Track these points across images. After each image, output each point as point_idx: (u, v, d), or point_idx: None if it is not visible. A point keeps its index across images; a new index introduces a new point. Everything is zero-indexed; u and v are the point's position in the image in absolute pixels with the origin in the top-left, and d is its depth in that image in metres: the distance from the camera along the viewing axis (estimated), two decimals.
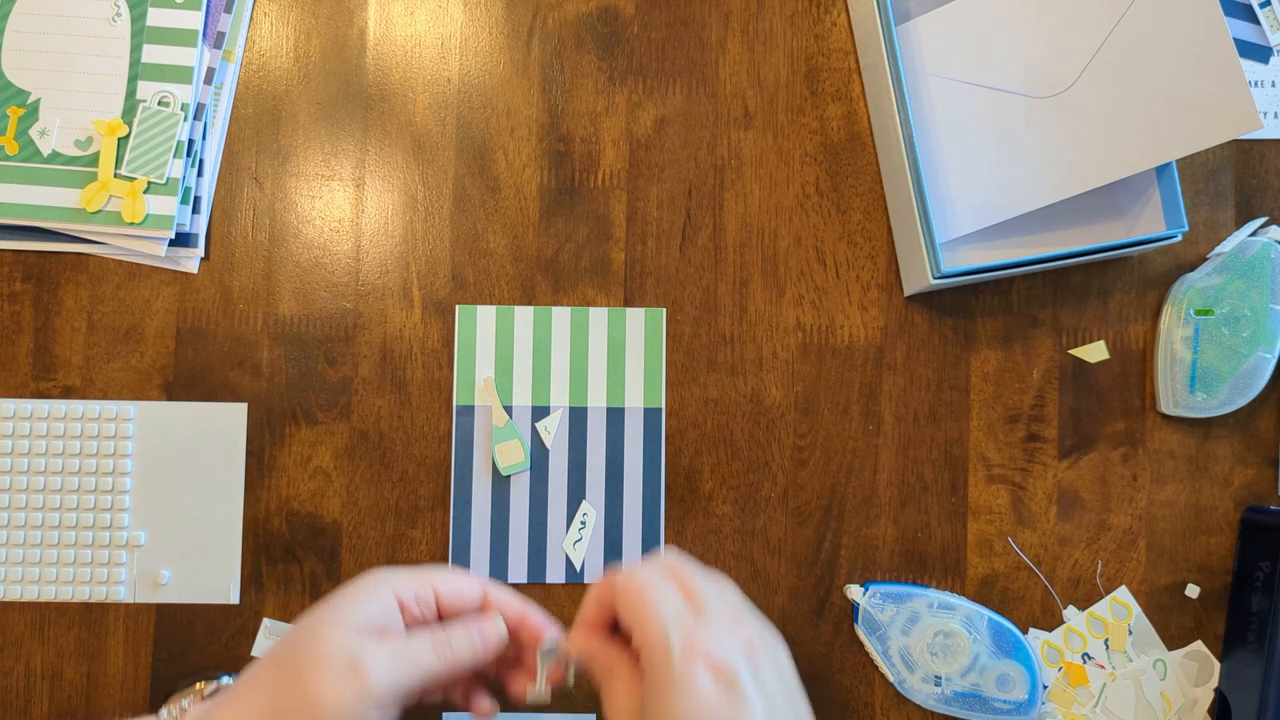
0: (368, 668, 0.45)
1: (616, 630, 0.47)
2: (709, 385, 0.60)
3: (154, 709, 0.49)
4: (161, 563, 0.59)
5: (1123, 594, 0.60)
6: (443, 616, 0.50)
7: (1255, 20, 0.62)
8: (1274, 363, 0.59)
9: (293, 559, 0.59)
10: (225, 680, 0.51)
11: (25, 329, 0.60)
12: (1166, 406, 0.60)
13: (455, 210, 0.61)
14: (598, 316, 0.61)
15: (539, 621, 0.50)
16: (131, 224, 0.58)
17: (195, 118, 0.60)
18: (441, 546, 0.59)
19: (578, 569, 0.59)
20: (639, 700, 0.45)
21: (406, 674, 0.47)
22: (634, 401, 0.60)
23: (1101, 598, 0.60)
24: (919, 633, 0.58)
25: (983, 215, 0.59)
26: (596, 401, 0.60)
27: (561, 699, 0.59)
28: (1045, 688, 0.59)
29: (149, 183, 0.59)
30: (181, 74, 0.60)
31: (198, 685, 0.50)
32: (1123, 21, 0.57)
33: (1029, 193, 0.58)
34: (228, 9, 0.61)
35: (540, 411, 0.60)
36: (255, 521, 0.59)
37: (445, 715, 0.59)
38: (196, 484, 0.59)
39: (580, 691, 0.59)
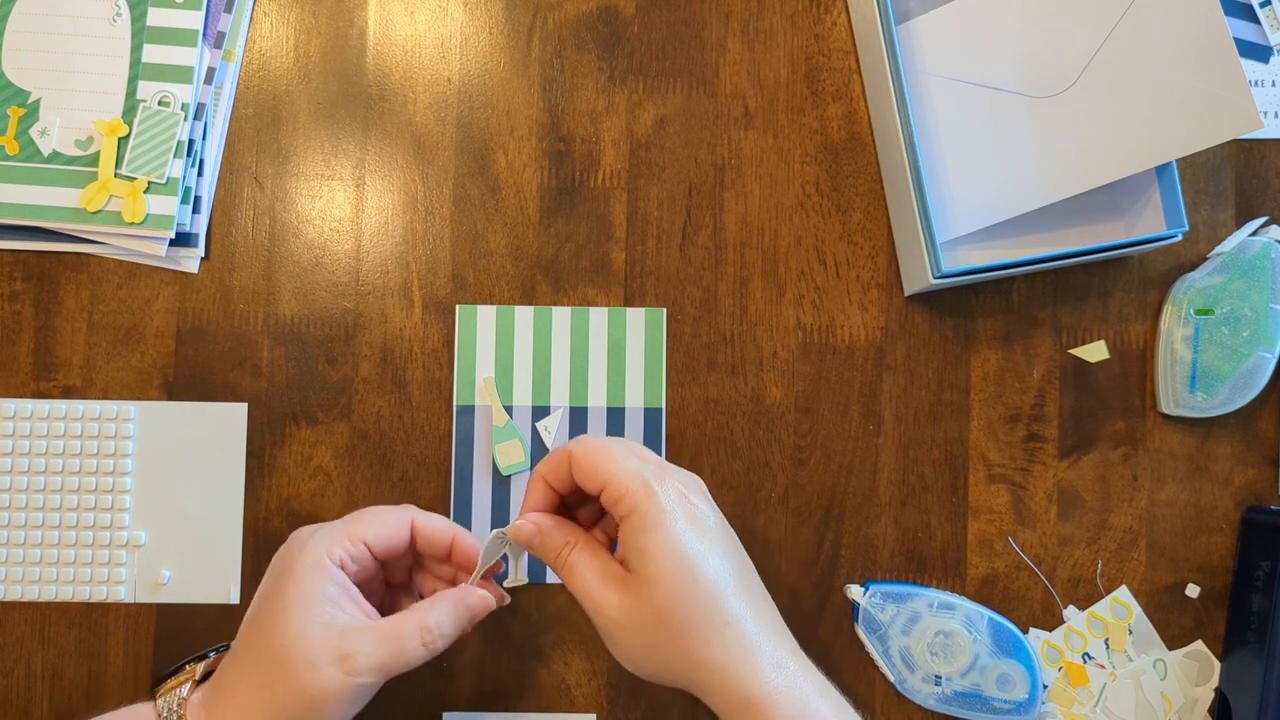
0: (358, 664, 0.47)
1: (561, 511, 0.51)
2: (709, 385, 0.61)
3: (152, 696, 0.49)
4: (162, 562, 0.59)
5: (1123, 594, 0.60)
6: (379, 560, 0.51)
7: (1255, 20, 0.62)
8: (1274, 362, 0.59)
9: None
10: (212, 654, 0.51)
11: (25, 329, 0.60)
12: (1167, 406, 0.60)
13: (455, 210, 0.61)
14: (598, 316, 0.61)
15: (470, 540, 0.52)
16: (132, 224, 0.58)
17: (195, 118, 0.60)
18: None
19: None
20: (603, 560, 0.48)
21: (396, 666, 0.48)
22: (634, 401, 0.60)
23: (1102, 597, 0.60)
24: (919, 632, 0.58)
25: (983, 215, 0.59)
26: (597, 401, 0.60)
27: (562, 699, 0.59)
28: (1045, 687, 0.59)
29: (149, 183, 0.59)
30: (182, 74, 0.60)
31: (188, 667, 0.50)
32: (1123, 21, 0.57)
33: (1029, 192, 0.58)
34: (228, 9, 0.61)
35: (540, 411, 0.60)
36: (256, 521, 0.59)
37: (445, 715, 0.59)
38: (197, 484, 0.59)
39: (581, 691, 0.59)
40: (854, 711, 0.47)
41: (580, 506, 0.52)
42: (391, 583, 0.54)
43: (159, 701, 0.48)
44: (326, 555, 0.48)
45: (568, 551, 0.49)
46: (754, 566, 0.50)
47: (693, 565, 0.46)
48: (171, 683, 0.49)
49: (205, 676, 0.50)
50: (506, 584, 0.52)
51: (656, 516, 0.46)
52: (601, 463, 0.48)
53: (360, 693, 0.47)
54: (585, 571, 0.48)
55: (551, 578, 0.59)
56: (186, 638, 0.58)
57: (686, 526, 0.47)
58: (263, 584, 0.49)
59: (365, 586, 0.51)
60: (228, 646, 0.51)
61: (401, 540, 0.51)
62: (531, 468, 0.60)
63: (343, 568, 0.49)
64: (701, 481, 0.51)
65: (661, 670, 0.47)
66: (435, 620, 0.49)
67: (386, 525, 0.51)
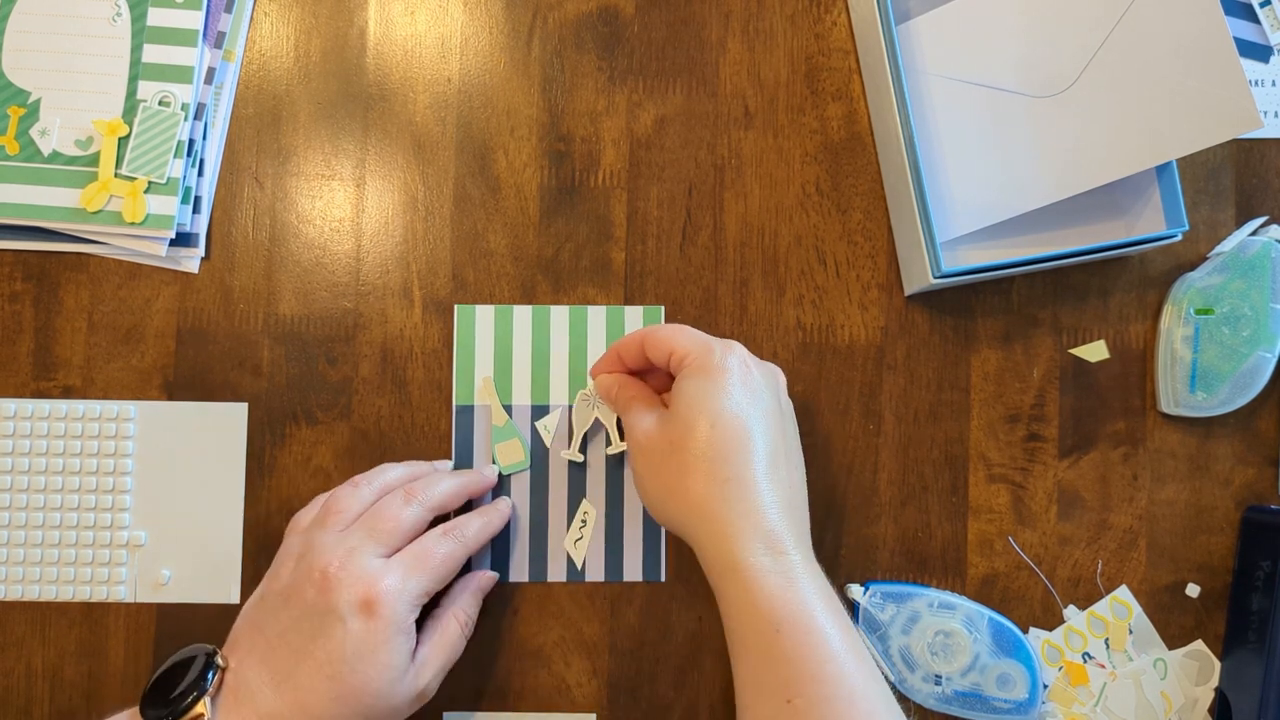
0: (426, 683, 0.52)
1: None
2: None
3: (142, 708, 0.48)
4: (162, 562, 0.59)
5: (1123, 593, 0.60)
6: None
7: (1255, 19, 0.62)
8: (1274, 362, 0.59)
9: None
10: (206, 650, 0.51)
11: (25, 329, 0.60)
12: (1167, 406, 0.60)
13: (455, 210, 0.61)
14: (596, 315, 0.61)
15: (485, 474, 0.59)
16: (132, 224, 0.58)
17: (196, 117, 0.60)
18: None
19: (579, 568, 0.59)
20: (653, 400, 0.54)
21: (450, 662, 0.54)
22: None
23: (1102, 597, 0.60)
24: (919, 632, 0.58)
25: (983, 215, 0.59)
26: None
27: (562, 699, 0.59)
28: (1046, 687, 0.59)
29: (149, 183, 0.59)
30: (182, 74, 0.60)
31: (194, 707, 0.49)
32: (1123, 20, 0.57)
33: (1029, 192, 0.58)
34: (228, 9, 0.61)
35: (540, 411, 0.60)
36: (256, 521, 0.59)
37: (445, 715, 0.59)
38: (197, 484, 0.59)
39: (581, 691, 0.59)
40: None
41: (647, 376, 0.57)
42: None
43: None
44: (409, 612, 0.50)
45: (628, 404, 0.54)
46: (802, 463, 0.54)
47: (715, 412, 0.50)
48: (188, 704, 0.47)
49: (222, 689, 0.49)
50: (608, 450, 0.59)
51: (703, 365, 0.51)
52: (669, 336, 0.53)
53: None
54: (638, 404, 0.53)
55: (552, 577, 0.59)
56: (187, 638, 0.58)
57: (729, 383, 0.51)
58: (353, 637, 0.49)
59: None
60: (214, 651, 0.50)
61: (455, 502, 0.56)
62: (531, 467, 0.60)
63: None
64: (781, 374, 0.55)
65: (668, 506, 0.51)
66: (464, 609, 0.55)
67: (444, 499, 0.55)
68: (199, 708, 0.47)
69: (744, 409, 0.50)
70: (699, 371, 0.51)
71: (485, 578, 0.58)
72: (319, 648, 0.48)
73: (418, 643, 0.51)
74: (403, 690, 0.50)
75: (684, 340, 0.52)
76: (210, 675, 0.49)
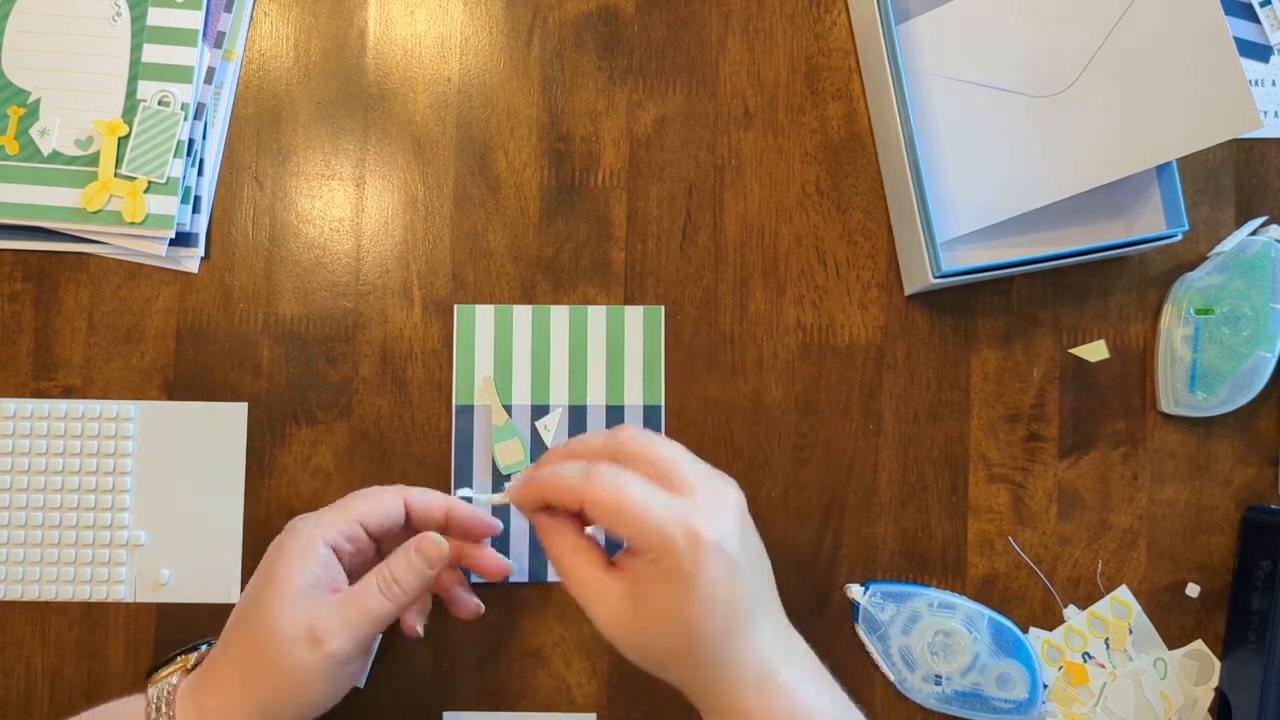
0: (324, 635, 0.47)
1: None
2: (709, 385, 0.60)
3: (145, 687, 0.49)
4: (162, 562, 0.59)
5: (1123, 593, 0.60)
6: (375, 541, 0.52)
7: (1255, 19, 0.62)
8: (1274, 362, 0.59)
9: None
10: (204, 647, 0.52)
11: (25, 329, 0.60)
12: (1167, 406, 0.60)
13: (455, 210, 0.61)
14: (596, 315, 0.61)
15: (467, 511, 0.52)
16: (132, 224, 0.58)
17: (195, 117, 0.60)
18: None
19: None
20: (614, 594, 0.45)
21: (364, 627, 0.48)
22: (633, 399, 0.60)
23: (1102, 597, 0.60)
24: (919, 632, 0.58)
25: (983, 214, 0.59)
26: (596, 399, 0.60)
27: (562, 699, 0.59)
28: (1045, 687, 0.59)
29: (149, 182, 0.59)
30: (182, 73, 0.60)
31: (179, 659, 0.51)
32: (1123, 20, 0.57)
33: (1029, 192, 0.58)
34: (228, 8, 0.61)
35: (540, 410, 0.60)
36: (256, 521, 0.59)
37: (445, 715, 0.59)
38: (197, 483, 0.59)
39: (581, 691, 0.59)
40: (851, 707, 0.47)
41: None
42: None
43: (150, 690, 0.48)
44: (320, 538, 0.49)
45: (566, 545, 0.47)
46: (763, 549, 0.48)
47: (697, 620, 0.43)
48: (163, 672, 0.49)
49: (199, 665, 0.50)
50: (489, 498, 0.53)
51: (670, 570, 0.43)
52: (618, 514, 0.43)
53: (338, 668, 0.47)
54: (583, 566, 0.46)
55: (552, 577, 0.59)
56: (187, 637, 0.58)
57: (711, 589, 0.43)
58: (258, 568, 0.50)
59: (364, 568, 0.51)
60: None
61: (396, 517, 0.52)
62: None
63: (336, 551, 0.50)
64: (737, 495, 0.46)
65: (650, 664, 0.46)
66: (390, 568, 0.49)
67: (381, 503, 0.51)
68: (167, 670, 0.50)
69: (732, 601, 0.44)
70: (666, 577, 0.43)
71: (428, 543, 0.50)
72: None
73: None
74: (288, 621, 0.46)
75: (643, 528, 0.43)
76: (196, 649, 0.52)
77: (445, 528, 0.52)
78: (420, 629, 0.53)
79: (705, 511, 0.44)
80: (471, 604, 0.54)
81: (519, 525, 0.59)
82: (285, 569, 0.48)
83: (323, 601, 0.48)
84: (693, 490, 0.44)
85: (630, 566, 0.45)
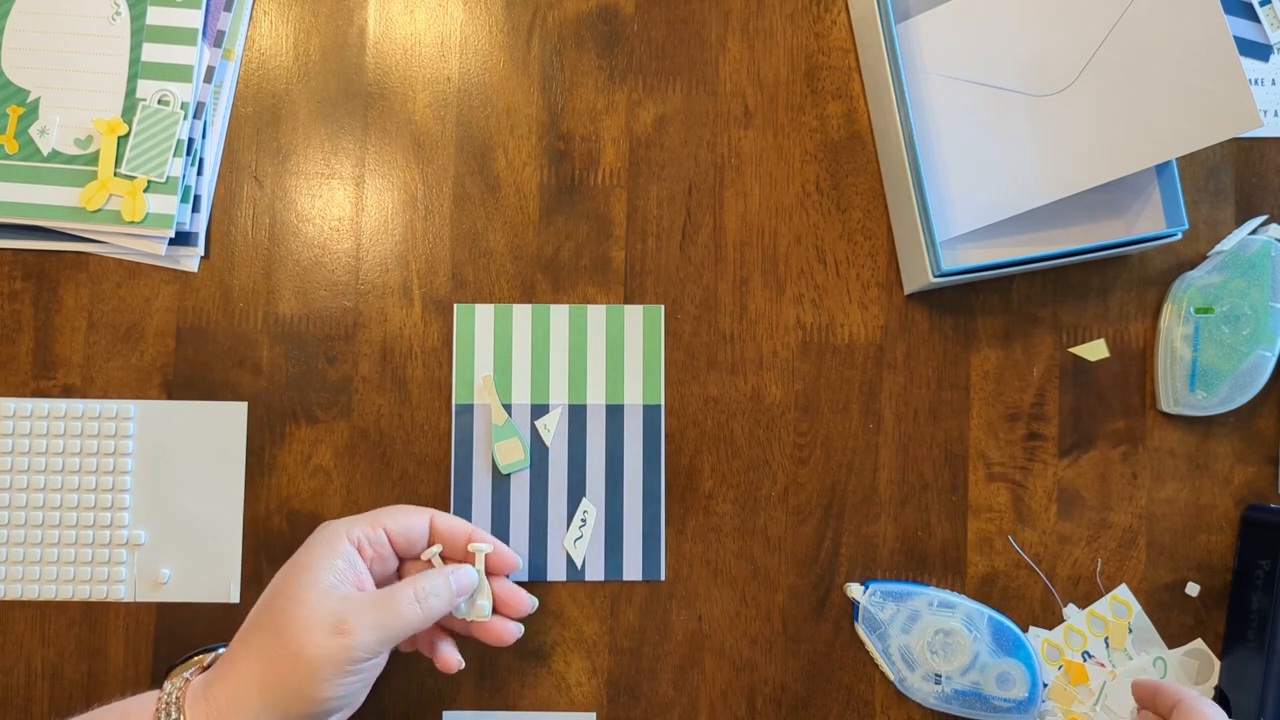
0: (353, 627, 0.48)
1: None
2: (709, 384, 0.60)
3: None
4: (162, 562, 0.59)
5: (1123, 592, 0.60)
6: (398, 554, 0.53)
7: (1255, 18, 0.62)
8: (1274, 361, 0.59)
9: None
10: (220, 649, 0.52)
11: (25, 328, 0.60)
12: (1166, 405, 0.60)
13: (455, 209, 0.61)
14: (596, 314, 0.61)
15: (485, 537, 0.54)
16: (131, 223, 0.58)
17: (195, 116, 0.60)
18: None
19: (579, 566, 0.59)
20: None
21: (391, 628, 0.49)
22: (633, 398, 0.60)
23: (1102, 596, 0.60)
24: (919, 631, 0.58)
25: (983, 213, 0.59)
26: (596, 399, 0.60)
27: (562, 699, 0.59)
28: (1045, 686, 0.59)
29: (149, 181, 0.59)
30: (181, 73, 0.60)
31: (196, 657, 0.51)
32: (1123, 19, 0.57)
33: (1029, 191, 0.58)
34: (227, 7, 0.61)
35: (540, 409, 0.60)
36: (256, 520, 0.59)
37: (446, 715, 0.59)
38: (197, 483, 0.59)
39: (581, 691, 0.59)
40: None
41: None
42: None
43: (166, 684, 0.48)
44: (345, 534, 0.51)
45: None
46: None
47: None
48: (180, 669, 0.50)
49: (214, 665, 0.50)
50: (468, 615, 0.54)
51: None
52: None
53: (353, 664, 0.48)
54: None
55: (551, 576, 0.59)
56: (187, 637, 0.58)
57: None
58: (284, 565, 0.51)
59: (380, 580, 0.53)
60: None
61: (421, 534, 0.54)
62: (530, 466, 0.60)
63: (359, 550, 0.51)
64: None
65: None
66: (425, 581, 0.51)
67: (408, 518, 0.53)
68: (182, 668, 0.50)
69: None
70: None
71: (465, 572, 0.53)
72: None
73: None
74: (313, 608, 0.47)
75: None
76: (213, 650, 0.52)
77: (465, 554, 0.54)
78: (460, 659, 0.54)
79: None
80: (454, 659, 0.55)
81: (517, 521, 0.60)
82: (313, 561, 0.50)
83: (354, 596, 0.49)
84: None
85: None
